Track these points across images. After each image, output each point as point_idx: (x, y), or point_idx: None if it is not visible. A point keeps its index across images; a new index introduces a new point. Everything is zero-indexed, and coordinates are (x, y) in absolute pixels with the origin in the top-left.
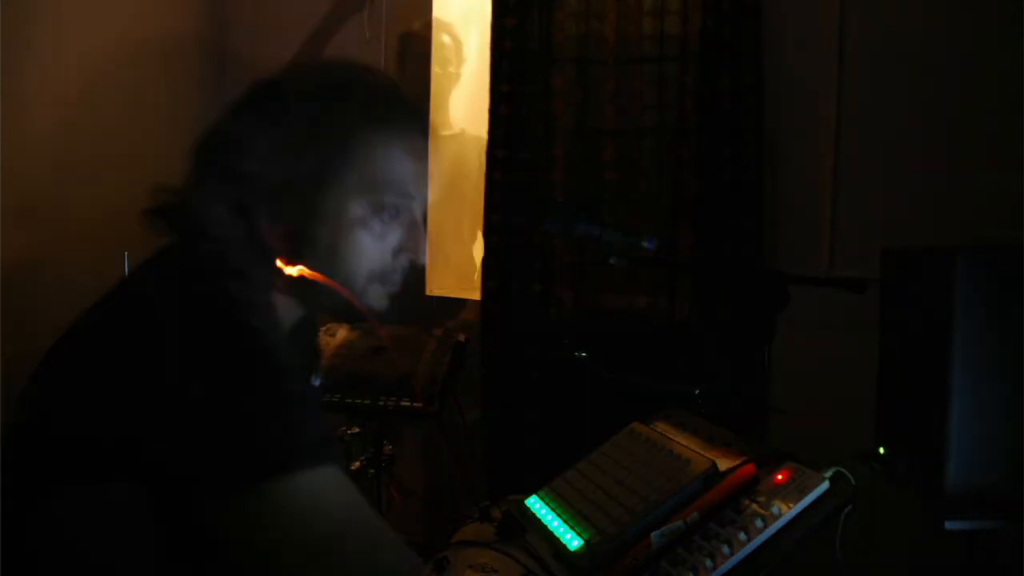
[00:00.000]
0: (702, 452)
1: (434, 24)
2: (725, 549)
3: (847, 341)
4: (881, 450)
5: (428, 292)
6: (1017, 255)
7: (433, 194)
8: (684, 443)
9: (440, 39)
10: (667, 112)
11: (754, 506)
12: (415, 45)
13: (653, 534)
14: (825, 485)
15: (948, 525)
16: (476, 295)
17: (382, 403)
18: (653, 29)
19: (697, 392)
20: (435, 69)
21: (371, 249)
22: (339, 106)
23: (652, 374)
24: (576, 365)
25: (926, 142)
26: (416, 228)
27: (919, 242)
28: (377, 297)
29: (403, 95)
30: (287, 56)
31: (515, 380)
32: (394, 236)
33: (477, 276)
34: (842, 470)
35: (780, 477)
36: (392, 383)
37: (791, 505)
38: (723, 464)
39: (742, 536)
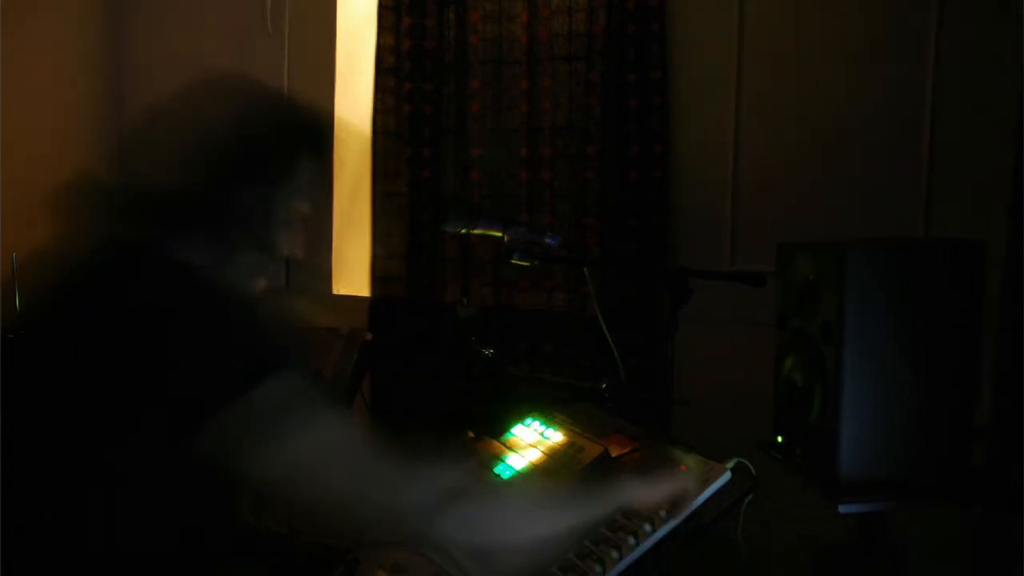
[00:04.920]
0: (597, 440)
1: (338, 20)
2: (631, 540)
3: (748, 334)
4: (779, 439)
5: (335, 291)
6: (904, 251)
7: (340, 195)
8: (580, 432)
9: (345, 37)
10: (575, 110)
11: None
12: (318, 42)
13: None
14: (727, 476)
15: (842, 509)
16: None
17: None
18: (562, 28)
19: (604, 387)
20: (340, 68)
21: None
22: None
23: (560, 370)
24: (482, 362)
25: (824, 141)
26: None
27: (816, 238)
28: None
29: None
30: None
31: (410, 378)
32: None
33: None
34: (743, 461)
35: (683, 469)
36: None
37: (694, 496)
38: (615, 451)
39: (646, 527)
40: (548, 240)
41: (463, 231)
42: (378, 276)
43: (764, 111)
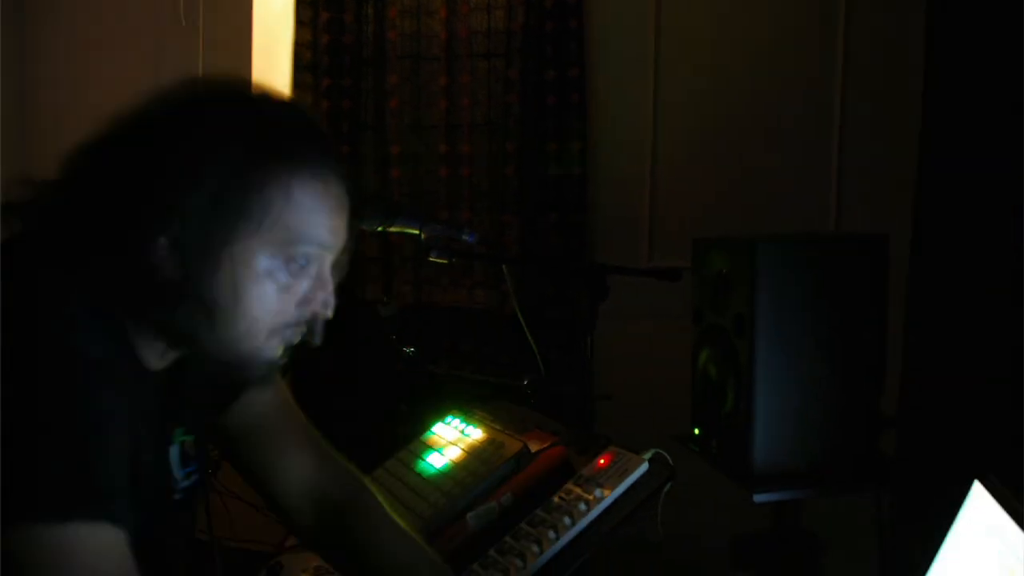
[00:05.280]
0: (516, 436)
1: (255, 13)
2: (551, 534)
3: (666, 328)
4: (696, 432)
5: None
6: (812, 245)
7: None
8: (500, 428)
9: (262, 31)
10: (494, 107)
11: (577, 491)
12: (234, 36)
13: (468, 515)
14: (644, 467)
15: (757, 498)
16: None
17: None
18: (480, 25)
19: (525, 383)
20: (257, 64)
21: (274, 301)
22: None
23: (481, 367)
24: (403, 360)
25: (739, 139)
26: (323, 278)
27: (730, 233)
28: (275, 351)
29: (318, 133)
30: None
31: (331, 378)
32: (300, 287)
33: None
34: (661, 452)
35: (602, 462)
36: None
37: (612, 488)
38: (535, 446)
39: (566, 520)
40: (466, 237)
41: (380, 229)
42: None
43: (680, 109)
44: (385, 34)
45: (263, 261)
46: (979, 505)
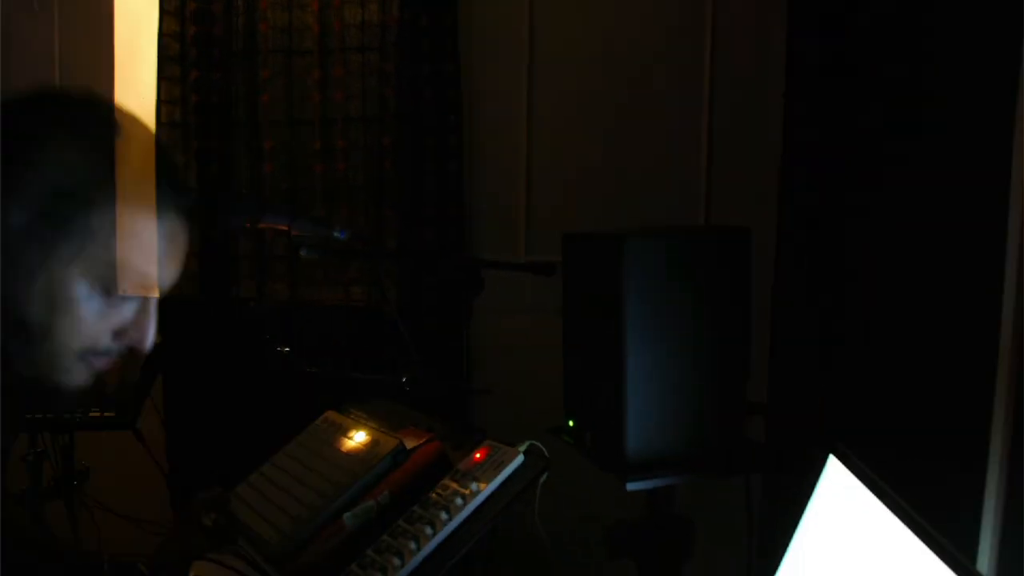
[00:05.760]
0: (392, 433)
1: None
2: (428, 530)
3: (542, 322)
4: (571, 423)
5: (120, 292)
6: (677, 239)
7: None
8: (375, 426)
9: (125, 19)
10: (370, 101)
11: (454, 486)
12: (94, 23)
13: (345, 515)
14: (520, 459)
15: (629, 487)
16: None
17: (69, 415)
18: (354, 18)
19: (404, 380)
20: (120, 53)
21: (88, 327)
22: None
23: (359, 364)
24: (278, 360)
25: (614, 134)
26: (146, 311)
27: (600, 228)
28: (83, 376)
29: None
30: None
31: (205, 380)
32: (118, 317)
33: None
34: (536, 443)
35: (478, 456)
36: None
37: (488, 481)
38: (410, 443)
39: (443, 516)
40: (336, 234)
41: (247, 225)
42: None
43: (555, 104)
44: (256, 26)
45: (81, 287)
46: (834, 476)
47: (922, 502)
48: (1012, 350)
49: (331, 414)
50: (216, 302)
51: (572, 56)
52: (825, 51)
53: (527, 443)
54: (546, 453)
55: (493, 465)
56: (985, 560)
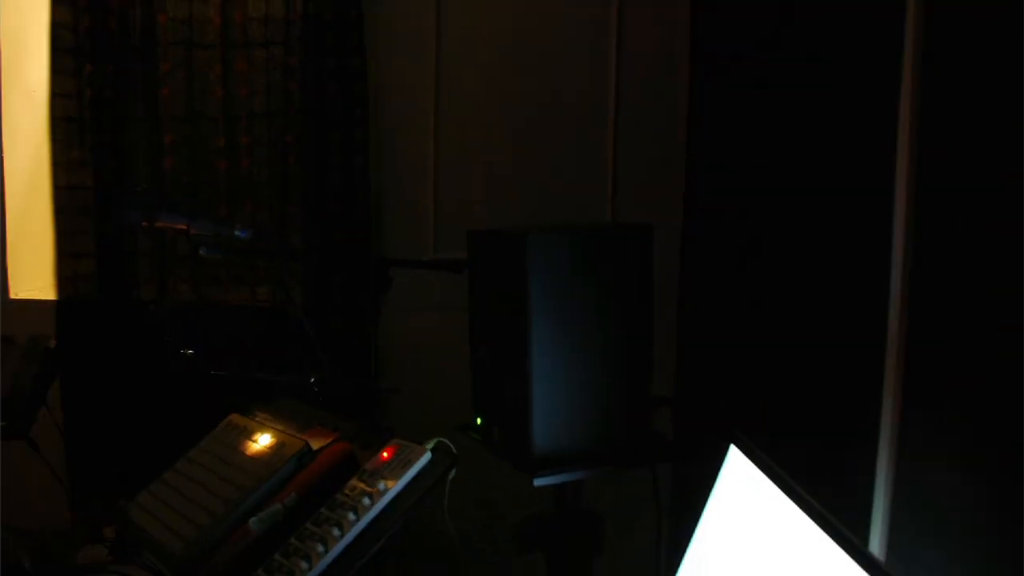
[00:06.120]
0: (297, 435)
1: None
2: (336, 531)
3: (451, 319)
4: (479, 420)
5: (13, 295)
6: (580, 235)
7: (12, 187)
8: (281, 428)
9: (13, 7)
10: (274, 97)
11: (361, 486)
12: None
13: (251, 520)
14: (428, 456)
15: (536, 482)
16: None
17: None
18: (257, 12)
19: (312, 380)
20: (6, 44)
21: None
22: None
23: (265, 365)
24: (180, 363)
25: (521, 132)
26: None
27: (505, 225)
28: None
29: None
30: None
31: (104, 385)
32: None
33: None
34: (444, 440)
35: (385, 455)
36: None
37: (396, 480)
38: (316, 444)
39: (351, 516)
40: (237, 232)
41: (144, 224)
42: (65, 276)
43: (463, 101)
44: (155, 18)
45: None
46: (735, 466)
47: (818, 488)
48: (898, 345)
49: (235, 417)
50: (115, 303)
51: (479, 51)
52: (728, 48)
53: (435, 441)
54: (454, 450)
55: (401, 463)
56: (876, 542)
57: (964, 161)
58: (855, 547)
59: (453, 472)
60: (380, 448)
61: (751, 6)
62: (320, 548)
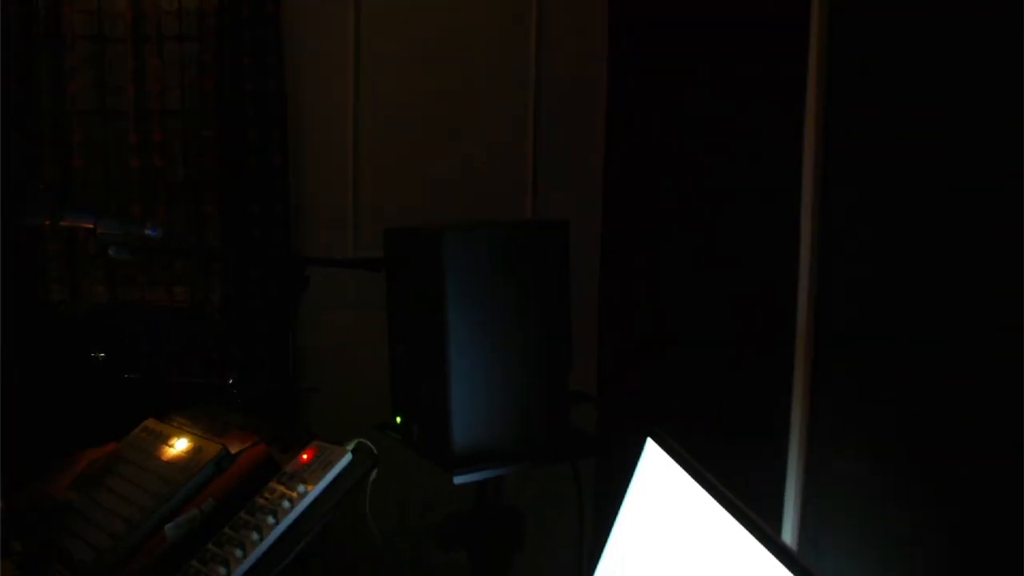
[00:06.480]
0: (215, 439)
1: None
2: (254, 536)
3: (370, 317)
4: (398, 419)
5: None
6: (495, 232)
7: None
8: (198, 432)
9: None
10: (189, 93)
11: (281, 488)
12: None
13: (167, 527)
14: (348, 457)
15: (456, 480)
16: None
17: None
18: (170, 6)
19: (231, 382)
20: None
21: None
22: None
23: (183, 367)
24: (92, 367)
25: (443, 129)
26: None
27: (421, 222)
28: None
29: None
30: None
31: (12, 389)
32: None
33: None
34: (364, 441)
35: (305, 457)
36: None
37: (316, 482)
38: (235, 447)
39: (270, 520)
40: (148, 231)
41: (46, 223)
42: None
43: (382, 98)
44: (61, 10)
45: None
46: (652, 459)
47: (731, 480)
48: (807, 337)
49: (151, 422)
50: (20, 306)
51: (398, 49)
52: (642, 46)
53: (355, 441)
54: (375, 450)
55: (321, 465)
56: (788, 532)
57: (868, 155)
58: (769, 538)
59: (374, 473)
60: (300, 450)
61: (667, 4)
62: (239, 553)
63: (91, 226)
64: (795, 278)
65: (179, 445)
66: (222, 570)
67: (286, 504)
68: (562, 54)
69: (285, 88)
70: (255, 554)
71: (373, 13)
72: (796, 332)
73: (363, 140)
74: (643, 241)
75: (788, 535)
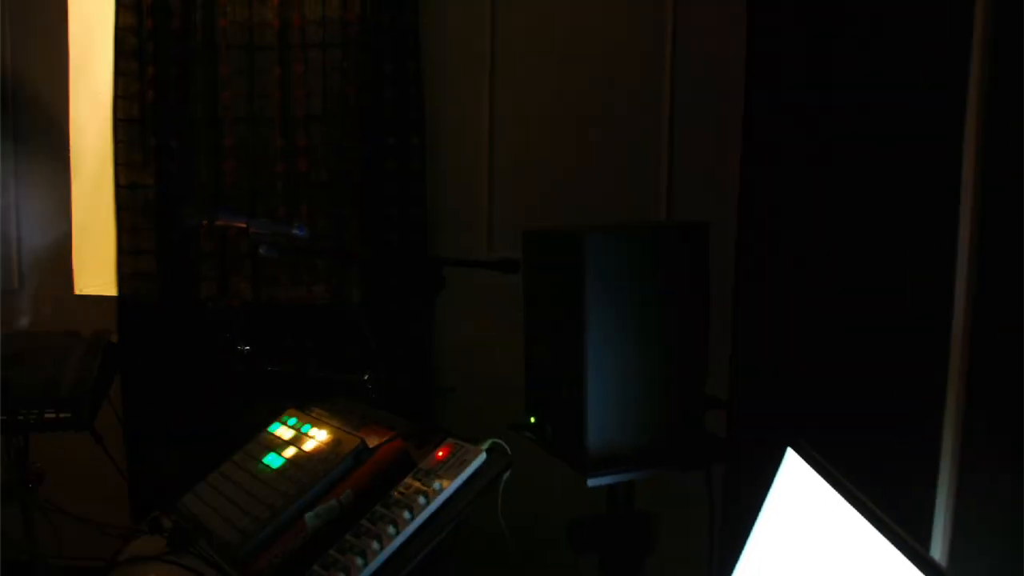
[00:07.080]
0: (353, 432)
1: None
2: (391, 530)
3: (507, 319)
4: (532, 420)
5: (77, 291)
6: (637, 235)
7: (79, 186)
8: (337, 425)
9: (80, 12)
10: (331, 99)
11: (416, 484)
12: (45, 15)
13: (307, 515)
14: (483, 457)
15: (590, 482)
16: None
17: (23, 417)
18: (315, 14)
19: (366, 378)
20: (74, 47)
21: None
22: None
23: (322, 363)
24: (238, 359)
25: (576, 131)
26: None
27: (561, 225)
28: None
29: None
30: None
31: (163, 380)
32: None
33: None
34: (498, 441)
35: (441, 454)
36: (34, 393)
37: (451, 479)
38: (372, 441)
39: (406, 515)
40: (296, 231)
41: (204, 223)
42: (127, 273)
43: (517, 103)
44: (215, 21)
45: None
46: (793, 469)
47: (878, 493)
48: (963, 343)
49: (293, 413)
50: (175, 301)
51: (534, 55)
52: (786, 48)
53: (490, 441)
54: (509, 451)
55: (456, 463)
56: (938, 551)
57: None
58: (918, 554)
59: (508, 473)
60: (435, 447)
61: (805, 5)
62: (375, 545)
63: (243, 226)
64: (951, 285)
65: (319, 436)
66: (359, 561)
67: (421, 500)
68: (699, 54)
69: (424, 94)
70: (391, 547)
71: (509, 21)
72: (951, 339)
73: (498, 143)
74: (783, 245)
75: (937, 554)
